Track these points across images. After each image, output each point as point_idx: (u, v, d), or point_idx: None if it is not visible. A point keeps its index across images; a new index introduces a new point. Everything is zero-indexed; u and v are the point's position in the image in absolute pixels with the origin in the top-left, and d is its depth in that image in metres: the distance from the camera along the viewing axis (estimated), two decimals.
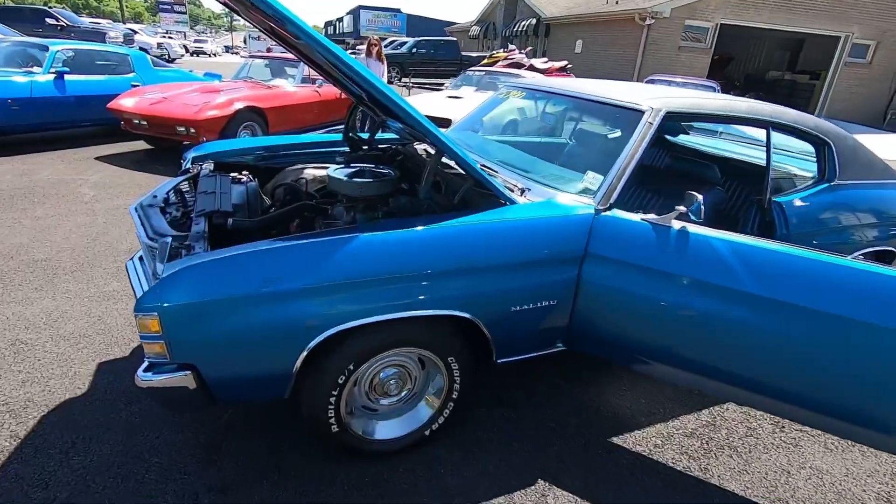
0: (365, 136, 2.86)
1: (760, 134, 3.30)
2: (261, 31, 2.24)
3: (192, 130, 5.28)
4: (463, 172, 1.98)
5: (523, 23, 20.83)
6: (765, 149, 2.30)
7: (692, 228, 1.73)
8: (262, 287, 1.39)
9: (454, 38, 20.36)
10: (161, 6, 37.87)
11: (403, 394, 1.86)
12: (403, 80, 14.92)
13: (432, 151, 2.68)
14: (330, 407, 1.64)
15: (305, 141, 2.89)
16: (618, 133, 2.13)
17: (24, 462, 1.74)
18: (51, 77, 5.78)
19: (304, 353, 1.50)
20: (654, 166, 3.27)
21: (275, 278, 1.40)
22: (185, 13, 38.63)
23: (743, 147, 3.33)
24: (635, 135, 1.97)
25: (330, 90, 6.86)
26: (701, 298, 1.68)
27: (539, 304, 1.80)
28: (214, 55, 32.63)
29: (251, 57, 7.70)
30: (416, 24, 37.57)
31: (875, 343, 1.47)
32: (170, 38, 28.03)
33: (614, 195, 1.87)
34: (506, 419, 2.10)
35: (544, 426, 2.08)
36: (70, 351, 2.33)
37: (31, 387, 2.09)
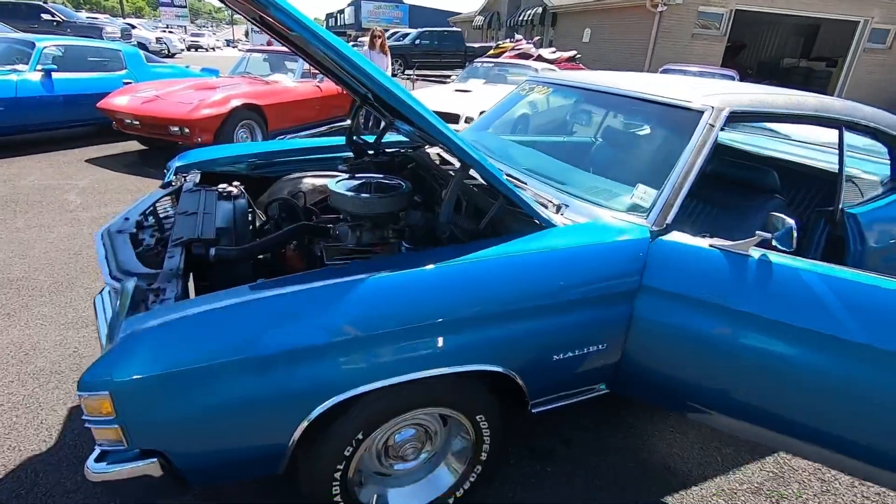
0: (370, 138, 2.54)
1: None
2: (251, 22, 1.93)
3: (186, 130, 4.96)
4: (488, 186, 1.66)
5: (528, 12, 20.30)
6: (836, 151, 1.97)
7: (776, 258, 1.41)
8: (246, 350, 1.08)
9: (458, 29, 19.89)
10: (161, 0, 37.43)
11: (422, 457, 1.56)
12: (407, 72, 14.53)
13: (448, 158, 2.38)
14: (335, 483, 1.34)
15: (303, 146, 2.58)
16: (670, 137, 1.81)
17: None
18: (37, 75, 5.48)
19: (304, 425, 1.20)
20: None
21: (261, 338, 1.10)
22: (185, 7, 38.16)
23: (790, 146, 2.98)
24: (694, 140, 1.65)
25: (331, 85, 6.52)
26: (788, 345, 1.36)
27: (585, 350, 1.49)
28: (212, 49, 32.10)
29: (249, 51, 7.36)
30: (418, 15, 36.96)
31: None
32: (170, 32, 27.61)
33: (671, 214, 1.55)
34: (541, 475, 1.80)
35: (589, 484, 1.78)
36: (39, 392, 2.04)
37: None
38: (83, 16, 18.20)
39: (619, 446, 1.95)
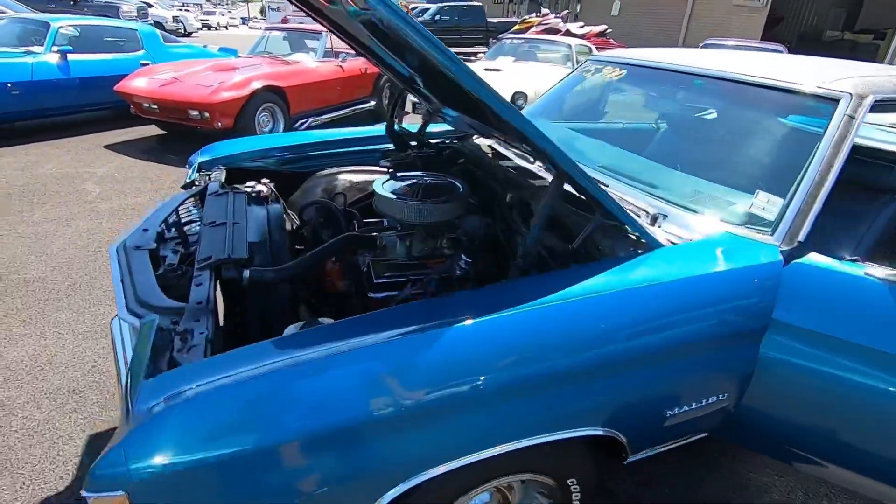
0: (413, 129, 2.24)
1: None
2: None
3: (206, 115, 4.72)
4: (577, 196, 1.38)
5: None
6: None
7: None
8: (299, 428, 0.83)
9: (479, 3, 19.15)
10: None
11: None
12: None
13: (501, 150, 2.07)
14: None
15: (337, 138, 2.29)
16: (794, 132, 1.49)
17: None
18: (54, 57, 5.26)
19: None
20: None
21: (314, 409, 0.85)
22: None
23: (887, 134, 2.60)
24: (828, 134, 1.33)
25: (354, 65, 6.19)
26: None
27: (704, 403, 1.21)
28: (224, 28, 31.15)
29: (268, 29, 7.04)
30: None
31: None
32: (186, 10, 27.22)
33: (804, 230, 1.25)
34: None
35: None
36: (55, 416, 1.85)
37: None
38: None
39: (714, 486, 1.69)
